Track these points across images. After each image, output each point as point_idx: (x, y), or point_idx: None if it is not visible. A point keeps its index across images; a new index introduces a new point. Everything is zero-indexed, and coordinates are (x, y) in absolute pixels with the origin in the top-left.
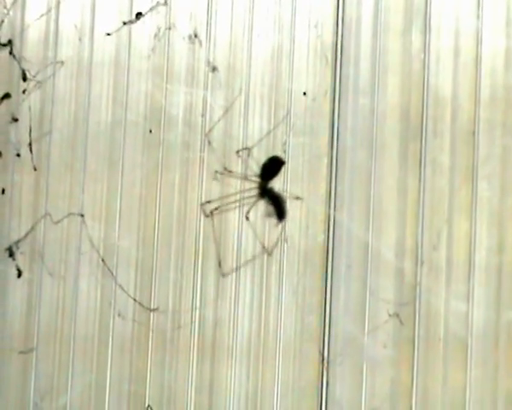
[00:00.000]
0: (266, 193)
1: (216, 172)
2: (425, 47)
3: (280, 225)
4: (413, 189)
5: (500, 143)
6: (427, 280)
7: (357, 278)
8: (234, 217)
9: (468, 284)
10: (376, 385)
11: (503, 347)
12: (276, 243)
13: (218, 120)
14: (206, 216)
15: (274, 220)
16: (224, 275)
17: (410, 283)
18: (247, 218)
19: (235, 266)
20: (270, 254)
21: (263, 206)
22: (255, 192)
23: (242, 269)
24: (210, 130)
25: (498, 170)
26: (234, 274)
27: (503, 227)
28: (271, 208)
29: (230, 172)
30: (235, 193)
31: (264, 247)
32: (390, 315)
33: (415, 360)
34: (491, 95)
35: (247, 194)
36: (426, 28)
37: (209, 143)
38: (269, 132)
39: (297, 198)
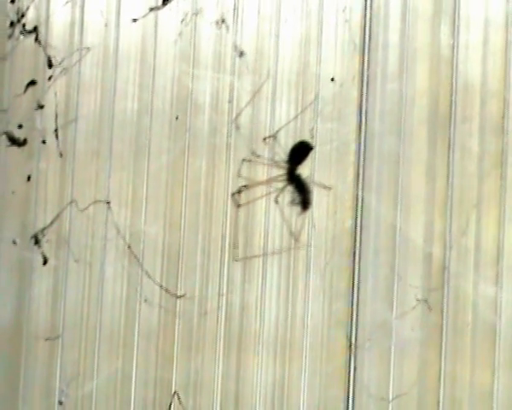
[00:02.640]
0: (294, 179)
1: (243, 160)
2: (454, 32)
3: (308, 211)
4: (442, 174)
5: None
6: (455, 265)
7: (385, 264)
8: (261, 202)
9: (496, 269)
10: (404, 371)
11: None
12: (304, 229)
13: (246, 106)
14: (238, 206)
15: (298, 209)
16: (250, 261)
17: (439, 268)
18: (277, 201)
19: (262, 251)
20: (297, 239)
21: (289, 192)
22: (283, 178)
23: (269, 255)
24: (237, 115)
25: None
26: (261, 260)
27: None
28: (297, 196)
29: (258, 157)
30: (263, 180)
31: (291, 232)
32: (418, 300)
33: (443, 345)
34: None
35: (274, 179)
36: (455, 13)
37: (237, 128)
38: (296, 117)
39: (325, 187)
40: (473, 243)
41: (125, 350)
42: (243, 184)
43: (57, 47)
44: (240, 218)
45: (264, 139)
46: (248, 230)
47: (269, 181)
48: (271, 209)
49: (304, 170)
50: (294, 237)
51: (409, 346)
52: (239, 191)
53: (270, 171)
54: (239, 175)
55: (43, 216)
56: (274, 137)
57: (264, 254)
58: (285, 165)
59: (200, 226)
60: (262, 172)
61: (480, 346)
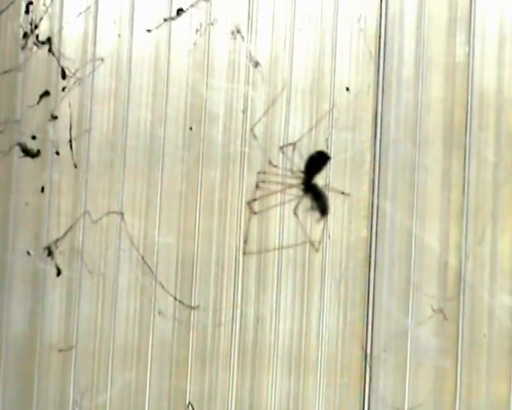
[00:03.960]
0: (310, 189)
1: (258, 172)
2: (469, 40)
3: (323, 221)
4: (457, 183)
5: None
6: (471, 275)
7: (400, 273)
8: (277, 211)
9: None
10: (420, 381)
11: None
12: (319, 239)
13: (263, 115)
14: (254, 213)
15: (316, 215)
16: (265, 272)
17: (455, 277)
18: (296, 214)
19: (277, 261)
20: (317, 250)
21: (306, 202)
22: (299, 188)
23: (284, 265)
24: (254, 125)
25: None
26: (276, 270)
27: None
28: (315, 204)
29: (275, 166)
30: (279, 189)
31: (312, 243)
32: (434, 310)
33: (459, 355)
34: None
35: (290, 190)
36: (470, 21)
37: (254, 137)
38: (311, 128)
39: (342, 193)
40: (489, 253)
41: (138, 362)
42: (258, 193)
43: (71, 58)
44: (255, 227)
45: (281, 148)
46: (263, 239)
47: (285, 190)
48: (287, 219)
49: (319, 179)
50: (314, 246)
51: (425, 356)
52: (254, 199)
53: (286, 180)
54: (256, 185)
55: (56, 227)
56: (292, 146)
57: (280, 264)
58: (301, 175)
59: (215, 237)
60: (278, 182)
61: (497, 356)
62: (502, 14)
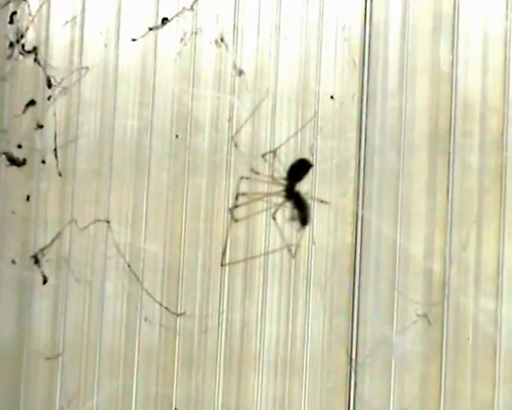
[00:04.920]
0: (293, 196)
1: (241, 177)
2: (453, 48)
3: (308, 228)
4: (442, 189)
5: None
6: (455, 280)
7: (385, 279)
8: (259, 218)
9: (496, 283)
10: (405, 386)
11: None
12: (304, 246)
13: (245, 123)
14: (235, 221)
15: (297, 224)
16: (251, 278)
17: (439, 283)
18: (274, 218)
19: (262, 269)
20: (293, 256)
21: (287, 209)
22: (282, 194)
23: (270, 272)
24: (236, 132)
25: None
26: (261, 277)
27: None
28: (296, 212)
29: (258, 173)
30: (262, 196)
31: (289, 249)
32: (418, 315)
33: (443, 360)
34: None
35: (274, 196)
36: (454, 30)
37: (237, 145)
38: (296, 133)
39: (322, 202)
40: (473, 258)
41: (125, 369)
42: (241, 199)
43: (57, 67)
44: (239, 233)
45: (263, 156)
46: (248, 246)
47: (267, 197)
48: (269, 225)
49: (304, 186)
50: (291, 253)
51: (409, 361)
52: (236, 206)
53: (269, 187)
54: (237, 191)
55: (43, 236)
56: (273, 153)
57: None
58: (284, 182)
59: (201, 244)
60: (261, 189)
61: (481, 361)
62: (485, 23)
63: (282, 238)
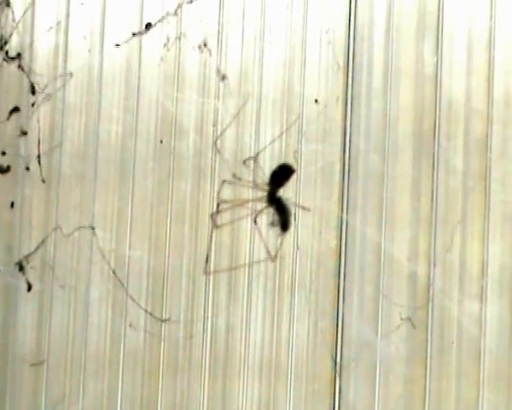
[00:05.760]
0: (274, 201)
1: (224, 181)
2: (437, 50)
3: (293, 232)
4: (426, 191)
5: None
6: (440, 283)
7: (370, 282)
8: (242, 223)
9: (481, 286)
10: (390, 389)
11: None
12: (288, 250)
13: (226, 128)
14: (216, 227)
15: (278, 230)
16: (235, 283)
17: (423, 286)
18: (255, 222)
19: (246, 274)
20: (273, 260)
21: (269, 214)
22: (264, 200)
23: (254, 277)
24: (217, 137)
25: (511, 171)
26: (246, 282)
27: None
28: (277, 218)
29: (239, 179)
30: (244, 202)
31: (269, 253)
32: (403, 319)
33: (428, 362)
34: (504, 97)
35: (255, 202)
36: (438, 31)
37: (218, 152)
38: (280, 136)
39: (304, 208)
40: (457, 260)
41: (110, 375)
42: (224, 205)
43: (41, 73)
44: (222, 238)
45: (244, 162)
46: (232, 252)
47: (248, 202)
48: (252, 230)
49: (289, 190)
50: (271, 257)
51: (394, 364)
52: (217, 212)
53: (252, 193)
54: (219, 197)
55: (27, 242)
56: (254, 158)
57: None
58: (266, 187)
59: (185, 250)
60: (244, 194)
61: (465, 363)
62: (470, 25)
63: (263, 242)
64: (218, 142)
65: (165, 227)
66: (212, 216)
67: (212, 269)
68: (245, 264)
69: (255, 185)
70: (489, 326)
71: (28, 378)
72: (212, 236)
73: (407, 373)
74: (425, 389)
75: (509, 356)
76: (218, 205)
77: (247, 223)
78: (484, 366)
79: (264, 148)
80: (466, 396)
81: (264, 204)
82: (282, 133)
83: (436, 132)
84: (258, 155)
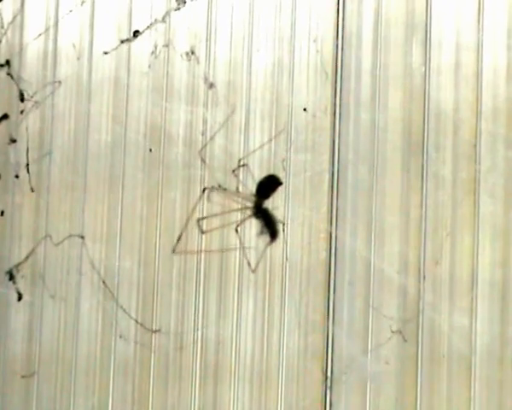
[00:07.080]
0: (261, 212)
1: (212, 187)
2: (426, 60)
3: (282, 244)
4: (415, 203)
5: (502, 155)
6: (429, 295)
7: (359, 295)
8: (231, 235)
9: (471, 298)
10: (380, 403)
11: (508, 362)
12: (278, 262)
13: (213, 136)
14: (202, 233)
15: (266, 239)
16: (225, 295)
17: (413, 299)
18: (237, 230)
19: (237, 285)
20: (253, 271)
21: (257, 224)
22: (250, 211)
23: (244, 288)
24: (204, 146)
25: (500, 183)
26: (236, 293)
27: (505, 241)
28: (264, 228)
29: (225, 190)
30: (230, 211)
31: (248, 262)
32: (393, 332)
33: (418, 376)
34: (492, 108)
35: (242, 212)
36: (426, 41)
37: (203, 161)
38: (268, 143)
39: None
40: (447, 273)
41: (100, 385)
42: (212, 213)
43: (29, 80)
44: (212, 247)
45: (233, 171)
46: (223, 262)
47: (234, 211)
48: (237, 241)
49: (277, 200)
50: (251, 268)
51: (385, 378)
52: (203, 218)
53: (239, 203)
54: (206, 208)
55: (17, 251)
56: (242, 168)
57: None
58: (253, 198)
59: (175, 260)
60: (232, 204)
61: (456, 376)
62: (458, 36)
63: (243, 253)
64: (206, 150)
65: (154, 237)
66: (199, 221)
67: (202, 280)
68: (235, 276)
69: (242, 196)
70: (479, 339)
71: (19, 391)
72: (199, 245)
73: (398, 386)
74: (416, 402)
75: (499, 370)
76: (202, 218)
77: (229, 231)
78: (474, 378)
79: (253, 156)
80: (456, 409)
81: (248, 214)
82: (271, 139)
83: (424, 143)
84: (246, 164)
